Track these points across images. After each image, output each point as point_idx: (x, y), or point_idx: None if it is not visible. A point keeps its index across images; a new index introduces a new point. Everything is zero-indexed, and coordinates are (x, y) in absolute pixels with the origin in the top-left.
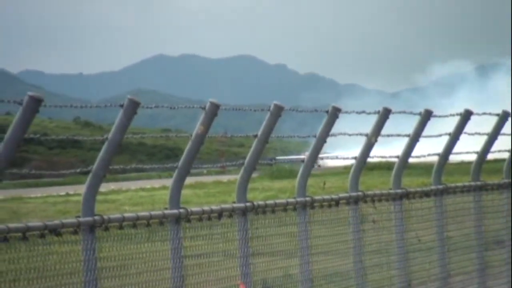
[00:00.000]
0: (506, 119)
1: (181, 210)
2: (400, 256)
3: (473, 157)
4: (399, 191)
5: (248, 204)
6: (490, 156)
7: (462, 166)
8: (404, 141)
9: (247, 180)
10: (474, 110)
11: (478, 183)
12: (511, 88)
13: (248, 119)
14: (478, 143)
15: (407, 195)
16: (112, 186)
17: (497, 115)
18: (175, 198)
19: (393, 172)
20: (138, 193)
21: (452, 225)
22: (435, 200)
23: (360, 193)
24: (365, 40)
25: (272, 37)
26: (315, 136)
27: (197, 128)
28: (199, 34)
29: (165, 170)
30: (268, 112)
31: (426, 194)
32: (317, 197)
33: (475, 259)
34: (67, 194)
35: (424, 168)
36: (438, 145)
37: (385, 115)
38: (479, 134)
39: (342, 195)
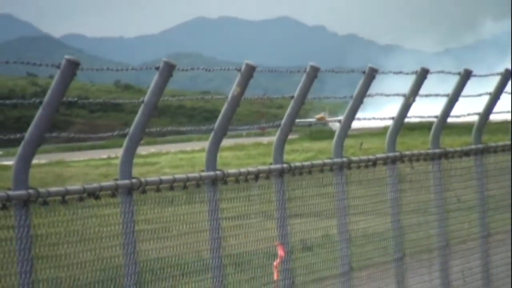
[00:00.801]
0: None
1: (218, 172)
2: (439, 216)
3: None
4: (437, 150)
5: (284, 165)
6: None
7: (505, 125)
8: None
9: (284, 142)
10: None
11: None
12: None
13: (288, 81)
14: None
15: (445, 155)
16: (152, 149)
17: None
18: (211, 160)
19: (432, 132)
20: (178, 156)
21: (492, 184)
22: (475, 159)
23: (397, 153)
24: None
25: None
26: (351, 97)
27: (233, 90)
28: None
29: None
30: (304, 73)
31: (466, 153)
32: (354, 158)
33: None
34: (109, 158)
35: (467, 128)
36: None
37: (422, 75)
38: None
39: (379, 155)
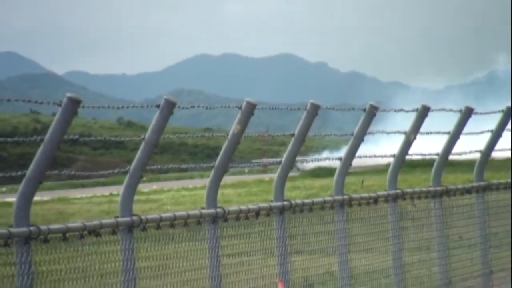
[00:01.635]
0: None
1: (218, 210)
2: (441, 253)
3: None
4: (439, 188)
5: (285, 203)
6: None
7: (508, 162)
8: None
9: (284, 179)
10: None
11: None
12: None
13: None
14: None
15: (447, 192)
16: (155, 186)
17: None
18: (212, 198)
19: (433, 169)
20: (180, 193)
21: (494, 221)
22: (477, 196)
23: (399, 190)
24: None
25: (312, 36)
26: (352, 135)
27: (234, 127)
28: (239, 33)
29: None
30: (305, 111)
31: (468, 191)
32: (354, 195)
33: None
34: (111, 194)
35: (470, 165)
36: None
37: (423, 113)
38: None
39: (380, 193)
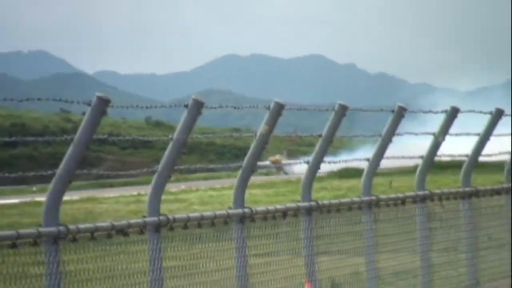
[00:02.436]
0: None
1: (246, 210)
2: (469, 254)
3: None
4: (467, 189)
5: (312, 203)
6: None
7: None
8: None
9: (312, 180)
10: None
11: None
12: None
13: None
14: None
15: (476, 193)
16: (183, 186)
17: None
18: (239, 198)
19: (462, 170)
20: (208, 193)
21: None
22: (506, 197)
23: (427, 191)
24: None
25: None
26: (380, 136)
27: (262, 128)
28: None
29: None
30: (332, 112)
31: (497, 192)
32: (382, 196)
33: None
34: (139, 194)
35: (500, 167)
36: None
37: (453, 114)
38: None
39: (408, 193)
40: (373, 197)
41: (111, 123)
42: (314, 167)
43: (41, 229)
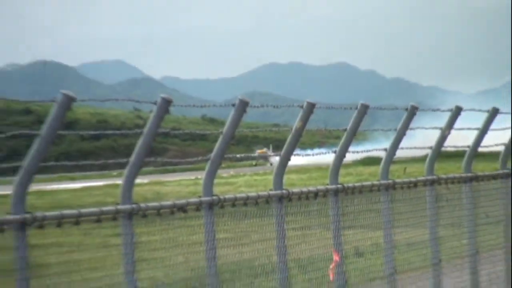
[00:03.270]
0: None
1: (284, 191)
2: (470, 228)
3: None
4: (469, 174)
5: (339, 186)
6: None
7: None
8: None
9: (338, 166)
10: None
11: None
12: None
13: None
14: None
15: (476, 178)
16: (232, 171)
17: None
18: (278, 181)
19: (464, 159)
20: (253, 177)
21: None
22: (501, 182)
23: (435, 176)
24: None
25: (363, 44)
26: (395, 130)
27: (296, 123)
28: (304, 43)
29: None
30: (356, 110)
31: (494, 177)
32: (398, 180)
33: None
34: (196, 178)
35: (496, 156)
36: None
37: (456, 112)
38: None
39: (420, 178)
40: (390, 181)
41: (174, 119)
42: (340, 156)
43: (119, 207)
